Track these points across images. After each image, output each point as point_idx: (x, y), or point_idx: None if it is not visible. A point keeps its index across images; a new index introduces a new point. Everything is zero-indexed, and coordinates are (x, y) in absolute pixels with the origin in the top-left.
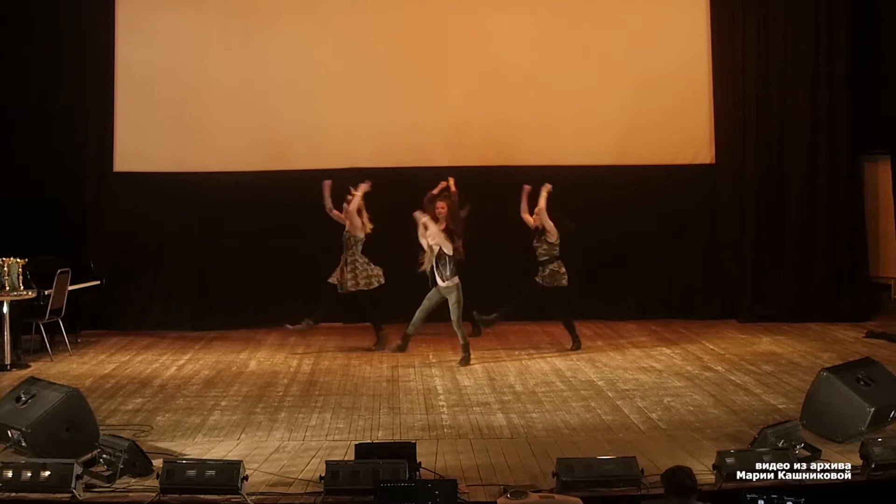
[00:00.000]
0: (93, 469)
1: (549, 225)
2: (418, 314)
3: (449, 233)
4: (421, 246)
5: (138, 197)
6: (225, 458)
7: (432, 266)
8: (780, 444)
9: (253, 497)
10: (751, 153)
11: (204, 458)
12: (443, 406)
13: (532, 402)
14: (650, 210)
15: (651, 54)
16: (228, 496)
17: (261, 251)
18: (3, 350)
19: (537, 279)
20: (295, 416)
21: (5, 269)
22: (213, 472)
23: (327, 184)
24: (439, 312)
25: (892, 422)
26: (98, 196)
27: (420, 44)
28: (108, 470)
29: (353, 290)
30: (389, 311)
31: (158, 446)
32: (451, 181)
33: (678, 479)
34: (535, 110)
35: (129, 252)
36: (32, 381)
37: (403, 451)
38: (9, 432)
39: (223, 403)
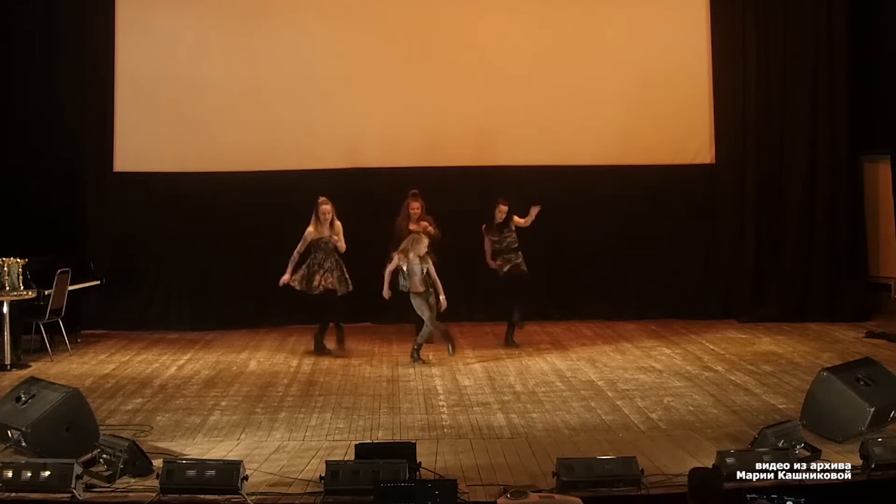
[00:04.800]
0: (93, 469)
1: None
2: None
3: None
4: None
5: (138, 197)
6: (225, 458)
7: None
8: (780, 444)
9: (253, 497)
10: (751, 153)
11: (204, 458)
12: (443, 406)
13: (532, 402)
14: (650, 210)
15: (651, 54)
16: (228, 496)
17: (261, 251)
18: (3, 350)
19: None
20: (295, 416)
21: (5, 269)
22: (213, 472)
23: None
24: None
25: (892, 422)
26: (98, 196)
27: (420, 43)
28: (108, 470)
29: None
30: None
31: (158, 446)
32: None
33: (708, 490)
34: (536, 110)
35: (129, 252)
36: (32, 381)
37: (403, 451)
38: (9, 432)
39: (223, 403)
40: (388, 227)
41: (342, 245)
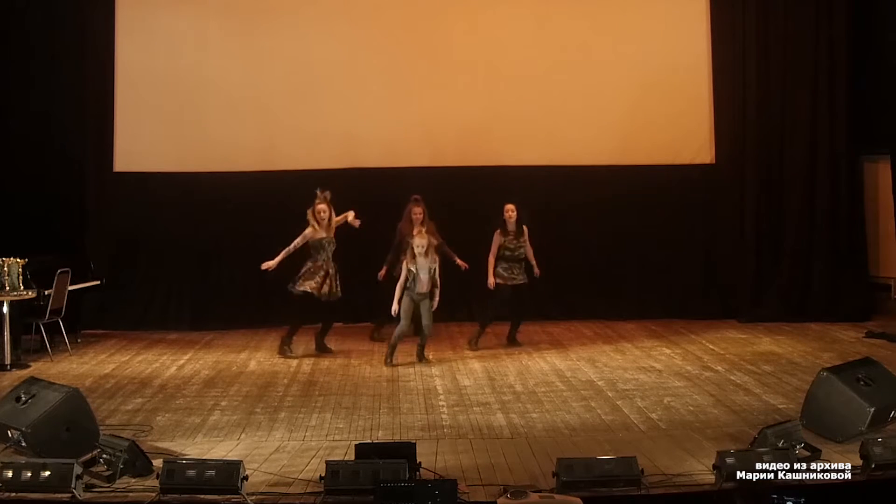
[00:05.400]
0: (93, 469)
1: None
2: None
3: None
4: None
5: (138, 197)
6: (225, 458)
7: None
8: (780, 444)
9: (253, 497)
10: (751, 153)
11: (204, 458)
12: (443, 406)
13: (532, 402)
14: (650, 210)
15: (651, 55)
16: (228, 496)
17: (261, 251)
18: (3, 350)
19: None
20: (295, 416)
21: (5, 269)
22: (213, 472)
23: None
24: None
25: (892, 422)
26: (98, 196)
27: (421, 45)
28: (108, 470)
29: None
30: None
31: (158, 446)
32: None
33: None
34: (536, 110)
35: (129, 252)
36: (32, 381)
37: (403, 451)
38: (9, 432)
39: (223, 403)
40: (387, 227)
41: (356, 221)
